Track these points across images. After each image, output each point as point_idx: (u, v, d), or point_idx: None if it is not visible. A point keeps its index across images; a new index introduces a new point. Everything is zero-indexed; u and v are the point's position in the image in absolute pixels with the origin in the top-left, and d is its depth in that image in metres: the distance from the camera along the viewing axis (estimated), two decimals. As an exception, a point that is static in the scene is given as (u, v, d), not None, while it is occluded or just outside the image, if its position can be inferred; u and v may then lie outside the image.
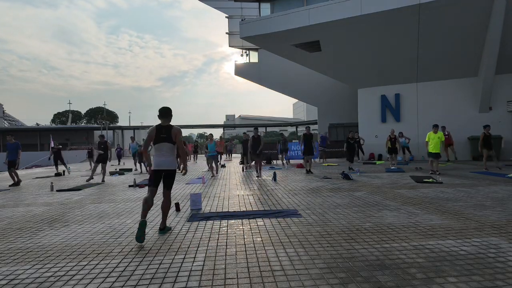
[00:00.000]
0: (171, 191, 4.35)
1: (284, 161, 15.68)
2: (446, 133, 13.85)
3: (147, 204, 4.08)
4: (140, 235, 3.73)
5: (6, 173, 10.90)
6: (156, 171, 4.18)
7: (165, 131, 4.21)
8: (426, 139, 9.89)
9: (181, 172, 4.64)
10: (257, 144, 10.76)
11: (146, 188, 8.60)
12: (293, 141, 17.25)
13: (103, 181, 10.26)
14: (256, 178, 10.13)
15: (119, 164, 19.26)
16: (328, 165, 14.48)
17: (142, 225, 3.79)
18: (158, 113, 4.29)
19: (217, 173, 11.75)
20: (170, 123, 4.32)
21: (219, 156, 18.05)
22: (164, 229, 4.22)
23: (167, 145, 4.19)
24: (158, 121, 4.32)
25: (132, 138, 16.35)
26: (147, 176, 10.84)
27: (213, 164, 11.53)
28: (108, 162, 10.79)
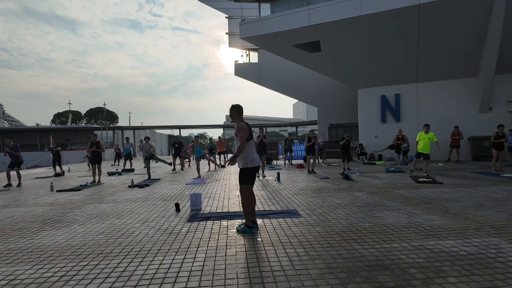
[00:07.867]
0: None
1: (287, 161, 15.66)
2: (457, 133, 13.74)
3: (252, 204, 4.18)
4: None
5: (5, 174, 10.90)
6: (253, 169, 4.11)
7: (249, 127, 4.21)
8: (417, 139, 9.90)
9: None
10: (263, 145, 10.41)
11: (146, 188, 8.64)
12: (293, 141, 17.20)
13: (99, 181, 10.22)
14: (261, 178, 10.07)
15: (118, 164, 19.25)
16: (328, 165, 14.49)
17: (254, 231, 4.05)
18: (237, 110, 4.17)
19: (198, 174, 11.44)
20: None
21: (220, 156, 18.16)
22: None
23: (253, 141, 4.21)
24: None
25: (127, 139, 16.82)
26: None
27: (199, 165, 11.63)
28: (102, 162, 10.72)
